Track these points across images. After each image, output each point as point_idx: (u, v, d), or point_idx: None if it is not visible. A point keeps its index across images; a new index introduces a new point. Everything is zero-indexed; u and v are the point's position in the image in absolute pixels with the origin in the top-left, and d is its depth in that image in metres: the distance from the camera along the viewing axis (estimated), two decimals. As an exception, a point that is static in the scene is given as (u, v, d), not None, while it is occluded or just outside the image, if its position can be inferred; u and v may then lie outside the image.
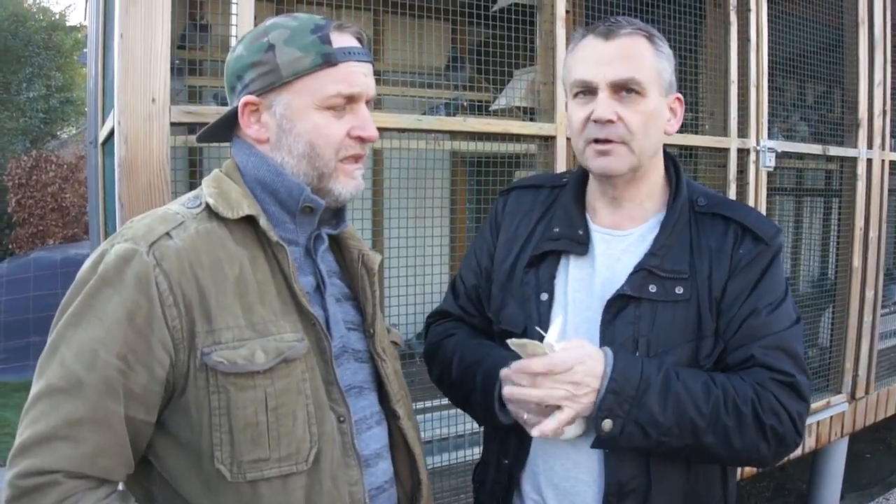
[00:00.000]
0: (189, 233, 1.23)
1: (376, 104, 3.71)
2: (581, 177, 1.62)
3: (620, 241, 1.54)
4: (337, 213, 1.42)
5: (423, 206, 2.93)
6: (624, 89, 1.42)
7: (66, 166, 10.36)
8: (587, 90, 1.45)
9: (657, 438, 1.36)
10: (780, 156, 3.63)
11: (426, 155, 3.08)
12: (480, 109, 3.20)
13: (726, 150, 3.40)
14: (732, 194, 3.39)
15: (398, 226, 2.88)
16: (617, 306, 1.46)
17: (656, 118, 1.47)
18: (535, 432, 1.35)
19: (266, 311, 1.24)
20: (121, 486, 1.23)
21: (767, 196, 3.60)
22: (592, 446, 1.38)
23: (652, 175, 1.54)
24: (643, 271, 1.46)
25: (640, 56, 1.43)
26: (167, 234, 1.21)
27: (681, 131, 3.35)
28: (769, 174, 3.60)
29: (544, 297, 1.53)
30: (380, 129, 2.66)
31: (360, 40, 1.34)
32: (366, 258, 1.44)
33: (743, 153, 3.46)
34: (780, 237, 1.51)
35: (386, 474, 1.41)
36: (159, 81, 2.11)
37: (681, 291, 1.45)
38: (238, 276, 1.23)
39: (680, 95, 1.53)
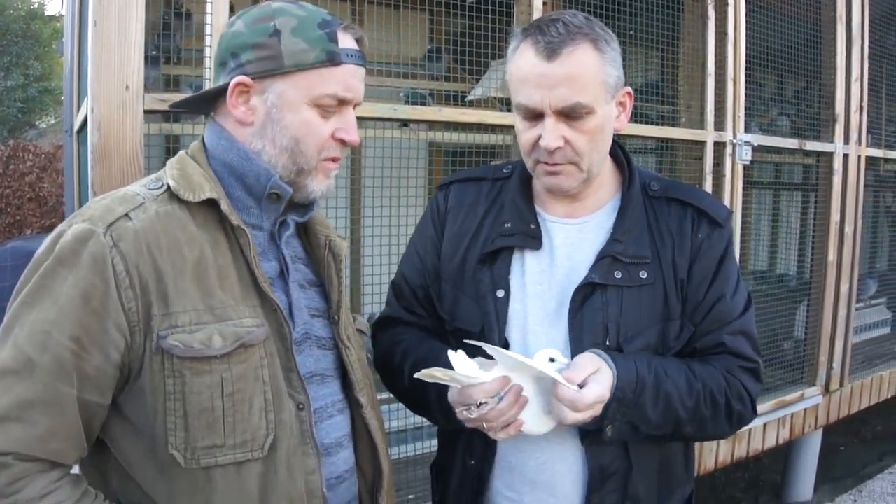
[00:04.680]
0: (148, 214, 1.20)
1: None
2: (526, 168, 1.55)
3: (578, 228, 1.53)
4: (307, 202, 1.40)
5: (399, 195, 2.92)
6: (570, 113, 1.38)
7: (43, 156, 10.24)
8: (533, 115, 1.41)
9: (646, 433, 1.40)
10: (758, 149, 3.65)
11: (402, 144, 3.08)
12: (457, 99, 3.19)
13: (703, 143, 3.41)
14: (708, 187, 3.41)
15: (374, 214, 2.87)
16: (583, 294, 1.45)
17: (604, 128, 1.42)
18: (502, 435, 1.34)
19: (226, 296, 1.22)
20: (76, 470, 1.21)
21: (744, 189, 3.63)
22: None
23: (603, 170, 1.52)
24: (608, 258, 1.46)
25: (585, 73, 1.36)
26: (126, 214, 1.18)
27: (658, 123, 3.42)
28: (746, 168, 3.62)
29: (500, 293, 1.51)
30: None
31: (359, 43, 1.32)
32: (333, 244, 1.42)
33: (719, 146, 3.48)
34: (731, 219, 1.55)
35: (346, 463, 1.39)
36: (133, 69, 2.09)
37: (645, 276, 1.46)
38: (198, 259, 1.21)
39: (629, 89, 1.47)
